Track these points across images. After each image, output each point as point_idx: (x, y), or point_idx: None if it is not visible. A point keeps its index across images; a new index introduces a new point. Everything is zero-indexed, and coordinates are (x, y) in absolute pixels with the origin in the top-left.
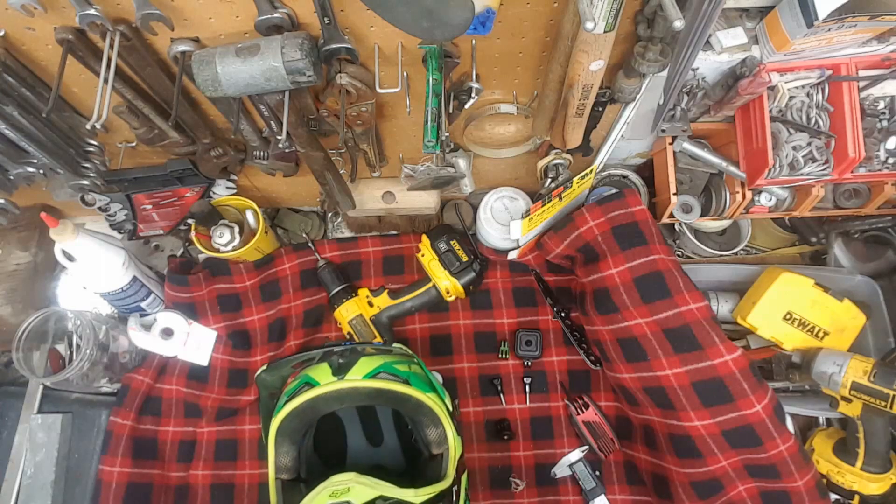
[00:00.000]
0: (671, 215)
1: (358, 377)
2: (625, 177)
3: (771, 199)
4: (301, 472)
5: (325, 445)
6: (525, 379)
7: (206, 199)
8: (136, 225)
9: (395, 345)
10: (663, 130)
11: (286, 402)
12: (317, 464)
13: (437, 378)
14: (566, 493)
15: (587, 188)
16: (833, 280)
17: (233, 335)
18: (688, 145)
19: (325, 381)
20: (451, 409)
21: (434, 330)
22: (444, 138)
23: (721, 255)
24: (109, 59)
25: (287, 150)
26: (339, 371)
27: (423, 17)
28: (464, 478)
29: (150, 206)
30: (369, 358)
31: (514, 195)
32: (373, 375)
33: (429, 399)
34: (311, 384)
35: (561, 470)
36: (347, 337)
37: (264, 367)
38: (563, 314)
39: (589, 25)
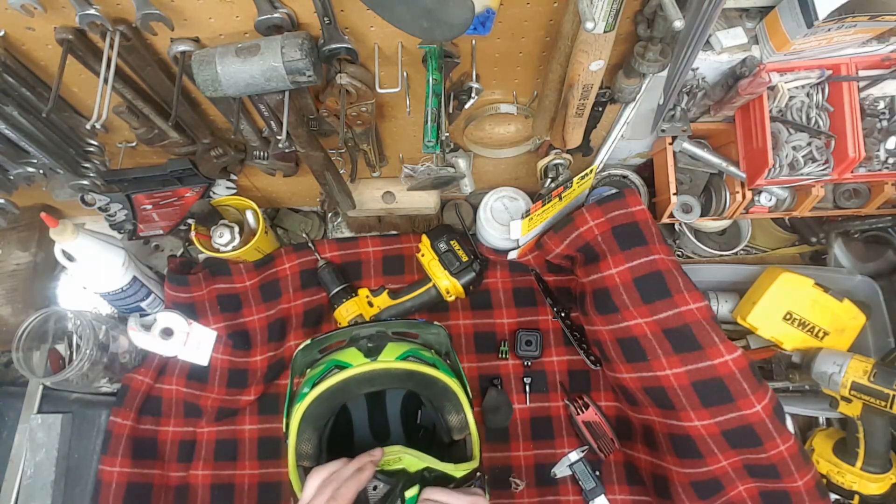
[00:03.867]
0: (671, 215)
1: (390, 359)
2: (625, 177)
3: (771, 199)
4: (321, 460)
5: (336, 438)
6: (525, 379)
7: (206, 199)
8: (136, 225)
9: (435, 323)
10: (663, 130)
11: (313, 387)
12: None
13: None
14: (566, 493)
15: (587, 188)
16: (833, 280)
17: (233, 335)
18: (688, 145)
19: (357, 362)
20: (470, 397)
21: None
22: (444, 138)
23: (721, 255)
24: (109, 59)
25: (287, 150)
26: (371, 353)
27: (422, 17)
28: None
29: (150, 206)
30: (396, 343)
31: (514, 195)
32: (403, 358)
33: (454, 384)
34: (341, 367)
35: (561, 470)
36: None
37: (307, 342)
38: (563, 314)
39: (589, 25)
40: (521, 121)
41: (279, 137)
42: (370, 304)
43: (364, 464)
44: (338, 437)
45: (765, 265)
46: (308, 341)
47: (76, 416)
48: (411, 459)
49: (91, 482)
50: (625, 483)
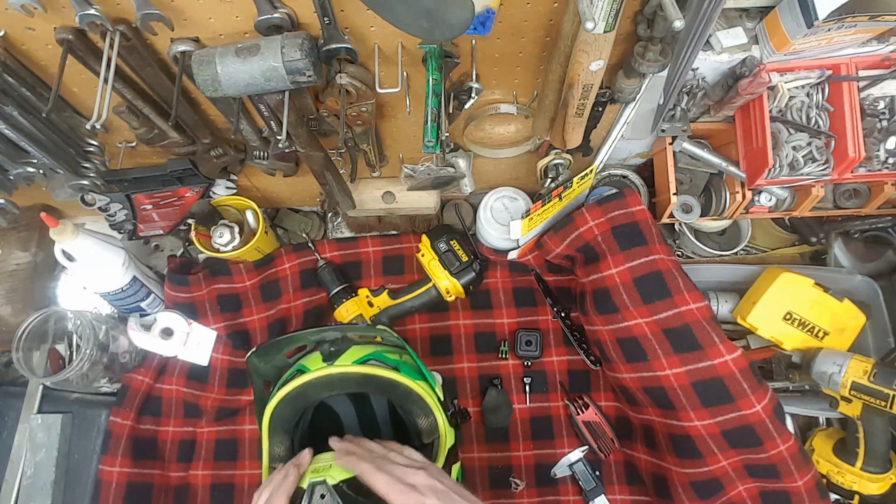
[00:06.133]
0: (671, 215)
1: (347, 363)
2: (625, 177)
3: (771, 199)
4: None
5: (321, 439)
6: (525, 379)
7: (206, 199)
8: (136, 225)
9: (380, 326)
10: (663, 130)
11: (278, 390)
12: None
13: (437, 378)
14: (566, 493)
15: (587, 188)
16: (833, 280)
17: (233, 335)
18: (688, 145)
19: (315, 367)
20: (441, 398)
21: (434, 330)
22: (444, 138)
23: (721, 255)
24: (109, 59)
25: (287, 150)
26: (330, 358)
27: (422, 17)
28: (455, 468)
29: (150, 206)
30: (360, 346)
31: (514, 195)
32: (362, 362)
33: (418, 387)
34: (302, 371)
35: (561, 470)
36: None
37: (254, 349)
38: (563, 314)
39: (589, 25)
40: (521, 121)
41: (279, 137)
42: (370, 305)
43: (288, 469)
44: (327, 439)
45: (765, 265)
46: (255, 348)
47: (76, 416)
48: (339, 469)
49: (91, 482)
50: (625, 483)
